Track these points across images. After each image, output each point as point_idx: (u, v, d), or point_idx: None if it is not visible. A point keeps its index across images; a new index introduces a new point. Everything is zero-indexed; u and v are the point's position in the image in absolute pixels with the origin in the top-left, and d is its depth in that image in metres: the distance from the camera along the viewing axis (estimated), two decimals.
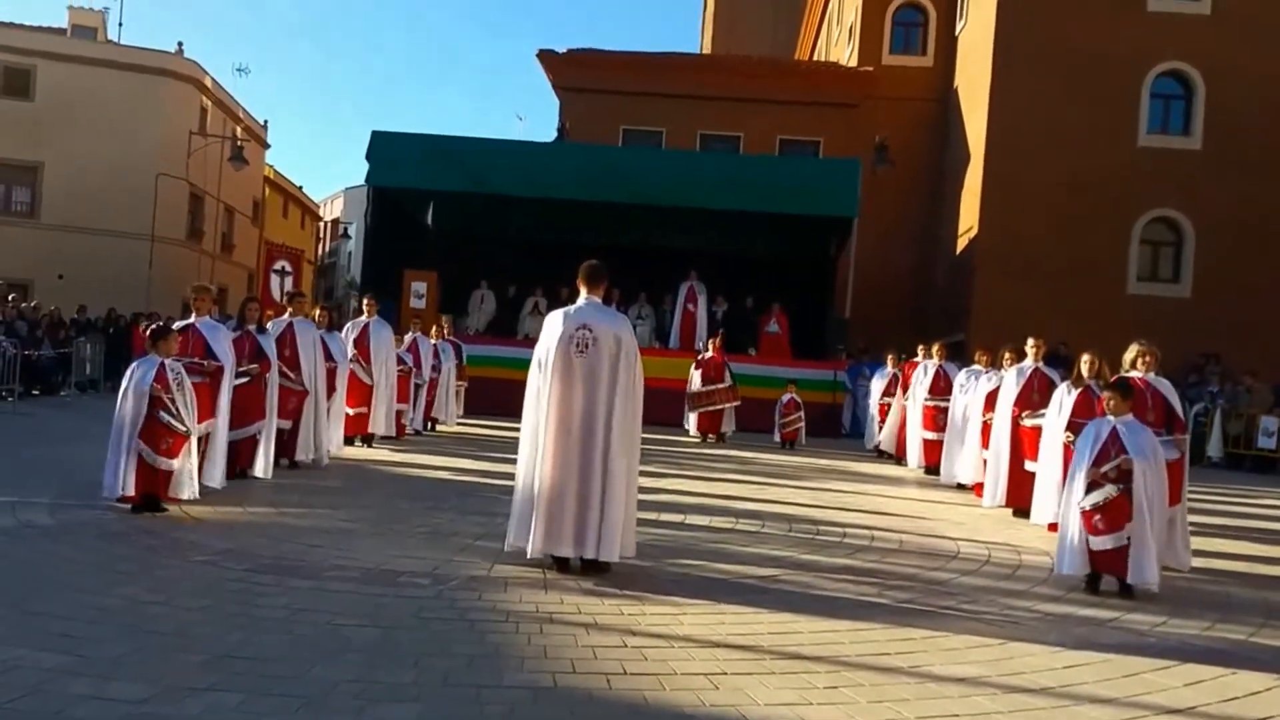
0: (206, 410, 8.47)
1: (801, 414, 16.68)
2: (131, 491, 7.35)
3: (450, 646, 4.61)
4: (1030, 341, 10.57)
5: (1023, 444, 10.12)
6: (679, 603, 5.67)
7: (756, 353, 20.18)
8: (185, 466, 7.67)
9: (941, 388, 13.48)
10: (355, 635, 4.69)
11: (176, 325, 8.81)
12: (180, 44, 38.55)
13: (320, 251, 63.40)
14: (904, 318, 25.48)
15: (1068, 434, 8.46)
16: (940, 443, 12.95)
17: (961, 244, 25.47)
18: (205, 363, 8.50)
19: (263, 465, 9.68)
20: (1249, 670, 4.90)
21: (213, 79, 39.16)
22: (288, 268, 20.36)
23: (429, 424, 15.76)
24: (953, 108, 27.12)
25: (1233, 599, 6.72)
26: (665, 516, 8.57)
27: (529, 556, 6.17)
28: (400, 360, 14.07)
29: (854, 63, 28.57)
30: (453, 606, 5.34)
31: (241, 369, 9.39)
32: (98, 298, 26.36)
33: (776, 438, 16.74)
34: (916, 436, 14.31)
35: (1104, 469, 6.62)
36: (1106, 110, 22.93)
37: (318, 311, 12.03)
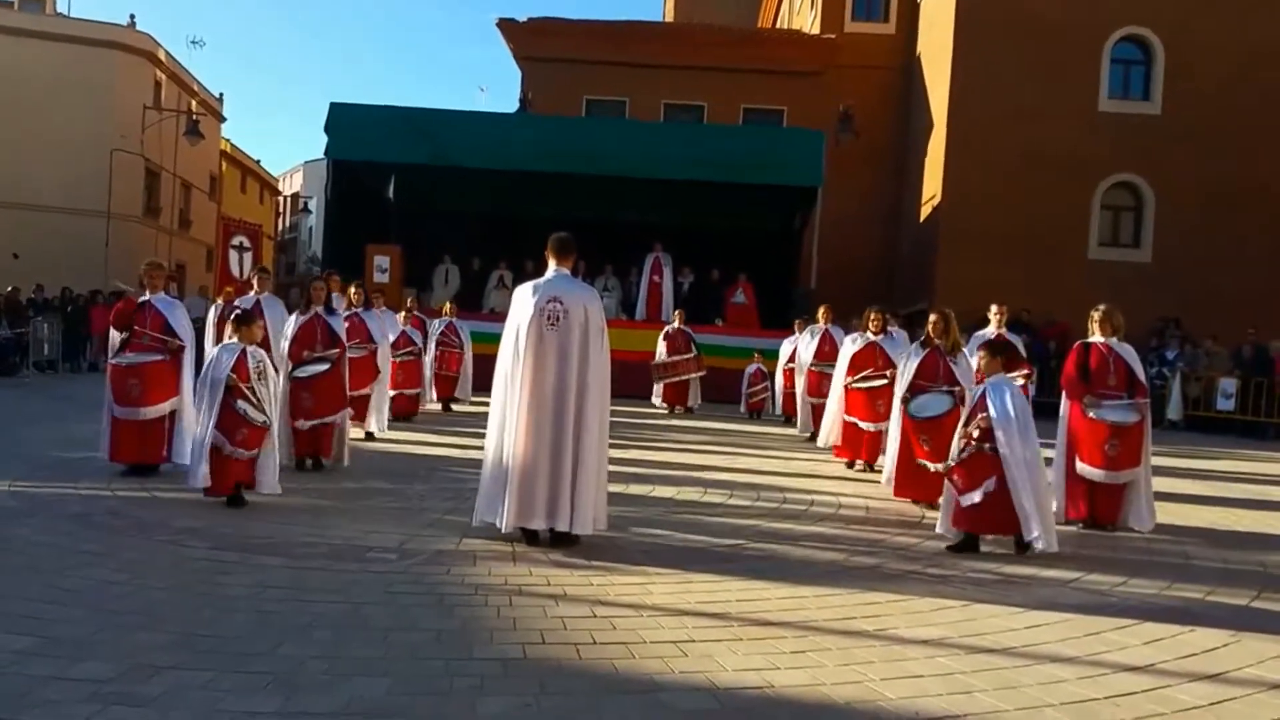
0: (171, 388, 8.42)
1: (768, 384, 16.73)
2: (209, 483, 7.04)
3: (419, 621, 4.61)
4: (993, 308, 10.60)
5: None
6: (647, 572, 5.70)
7: (723, 323, 20.20)
8: (267, 458, 7.34)
9: (827, 352, 12.93)
10: (323, 612, 4.68)
11: (139, 299, 8.67)
12: (132, 16, 37.99)
13: (280, 226, 62.76)
14: (869, 286, 25.54)
15: (906, 395, 8.35)
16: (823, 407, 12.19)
17: (925, 212, 25.58)
18: (167, 340, 8.43)
19: (340, 451, 9.38)
20: (1206, 628, 4.99)
21: (166, 52, 38.53)
22: (246, 243, 20.07)
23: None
24: (915, 75, 27.15)
25: (1191, 559, 6.84)
26: (633, 487, 8.59)
27: (503, 531, 6.15)
28: (410, 341, 13.95)
29: (816, 30, 28.48)
30: (421, 581, 5.33)
31: (318, 355, 9.16)
32: (53, 277, 25.99)
33: (743, 408, 16.80)
34: (804, 401, 13.72)
35: (969, 428, 6.70)
36: (1067, 76, 23.03)
37: (352, 289, 11.68)
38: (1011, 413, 6.52)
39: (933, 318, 8.65)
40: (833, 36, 27.55)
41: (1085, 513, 7.81)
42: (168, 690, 3.63)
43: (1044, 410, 13.40)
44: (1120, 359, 7.99)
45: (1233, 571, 6.44)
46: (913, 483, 8.39)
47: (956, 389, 8.11)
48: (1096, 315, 8.22)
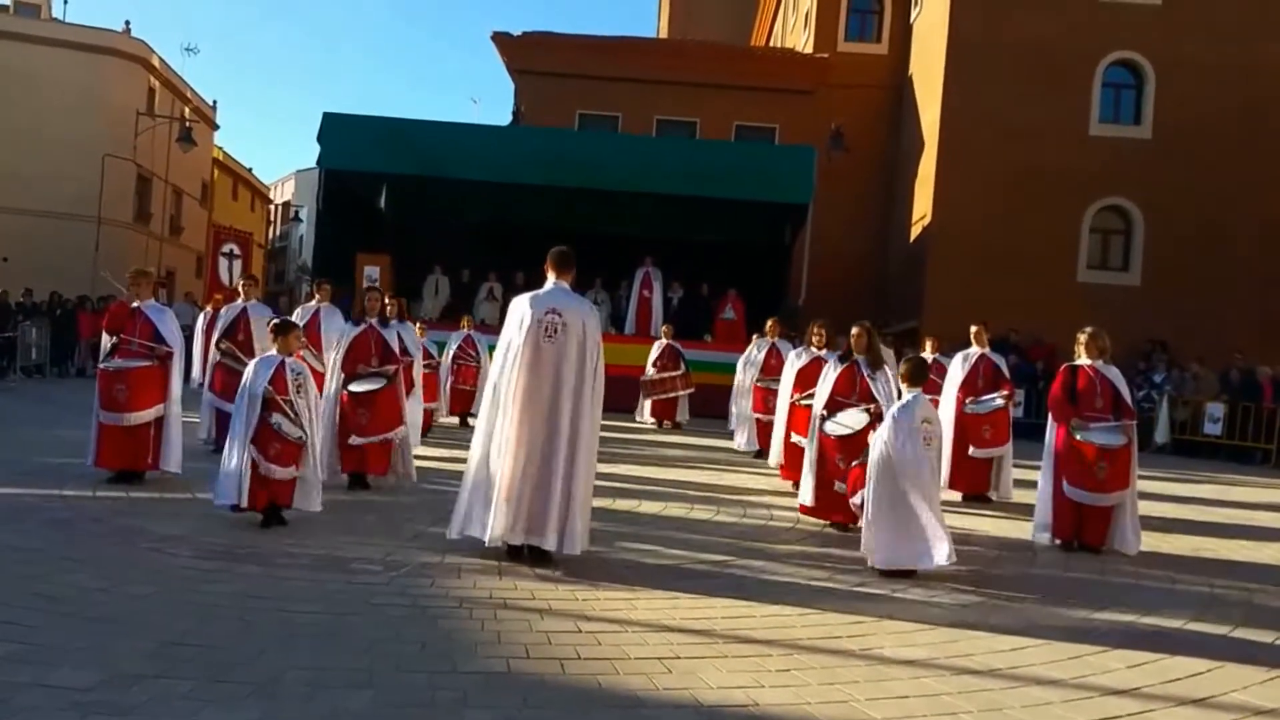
0: (158, 394, 8.38)
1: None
2: (246, 503, 6.63)
3: (403, 633, 4.59)
4: (973, 328, 10.65)
5: (966, 429, 10.21)
6: (633, 588, 5.68)
7: (712, 339, 20.22)
8: (307, 474, 6.94)
9: (773, 367, 12.38)
10: (306, 622, 4.66)
11: (134, 304, 8.63)
12: (127, 23, 38.01)
13: (271, 235, 62.67)
14: (859, 304, 25.54)
15: (823, 412, 8.11)
16: (772, 425, 11.65)
17: (915, 231, 25.65)
18: (155, 347, 8.40)
19: (408, 468, 9.15)
20: (1190, 653, 4.99)
21: (160, 58, 38.50)
22: (236, 250, 20.10)
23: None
24: (907, 95, 27.27)
25: (1176, 583, 6.84)
26: (619, 502, 8.58)
27: (486, 544, 6.06)
28: (428, 354, 13.59)
29: (810, 49, 28.60)
30: (405, 593, 5.32)
31: (374, 370, 8.87)
32: (43, 281, 25.80)
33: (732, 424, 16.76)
34: (750, 417, 13.28)
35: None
36: (1058, 99, 23.13)
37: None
38: (886, 433, 6.48)
39: (854, 331, 8.36)
40: (825, 56, 27.67)
41: (1071, 535, 7.81)
42: (148, 699, 3.60)
43: (1031, 432, 13.46)
44: (1107, 381, 8.01)
45: (1218, 596, 6.45)
46: (829, 503, 7.98)
47: (873, 406, 7.90)
48: (1083, 338, 8.23)
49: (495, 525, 5.99)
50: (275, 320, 7.41)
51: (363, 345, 9.05)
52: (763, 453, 12.78)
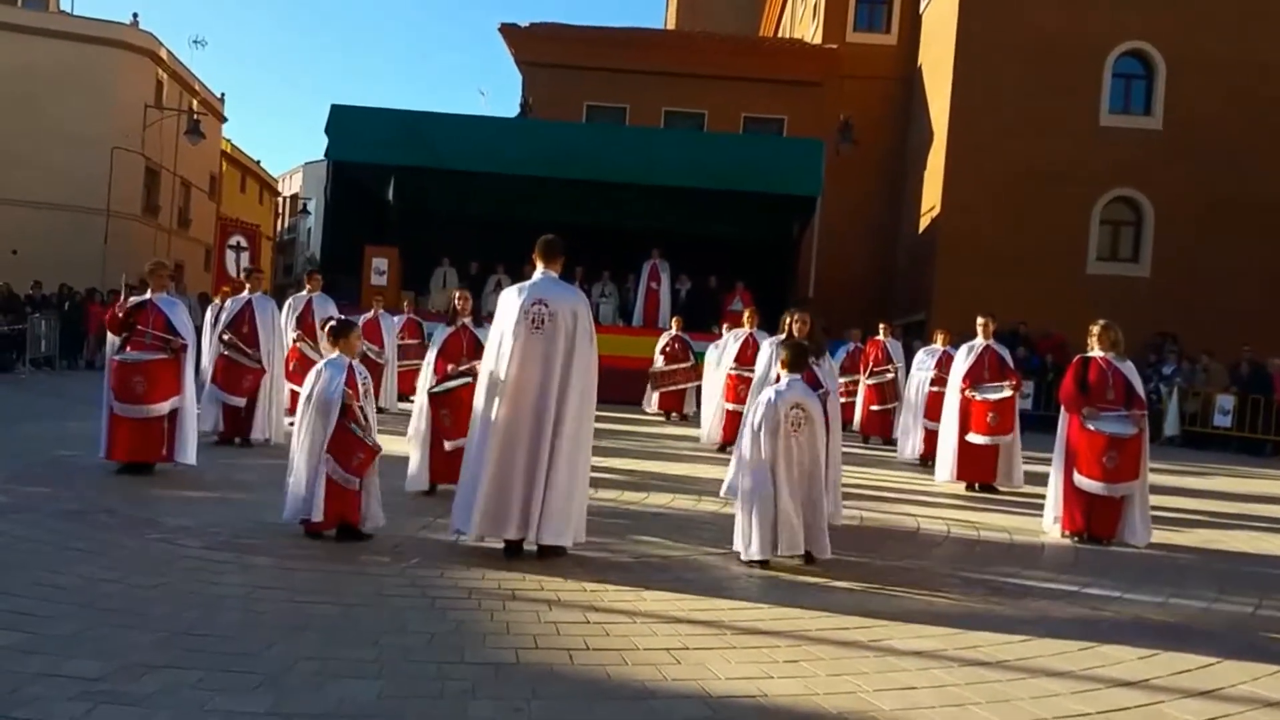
0: (172, 387, 8.39)
1: None
2: (321, 518, 6.13)
3: (411, 624, 4.59)
4: (979, 320, 10.63)
5: (970, 416, 10.19)
6: (641, 579, 5.68)
7: (720, 331, 20.18)
8: (373, 487, 6.40)
9: (749, 357, 12.03)
10: (315, 613, 4.66)
11: (133, 301, 8.63)
12: (135, 15, 37.91)
13: (279, 227, 62.78)
14: (867, 296, 25.60)
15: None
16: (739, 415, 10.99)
17: (924, 223, 25.58)
18: (169, 339, 8.41)
19: None
20: (1200, 644, 4.98)
21: (168, 51, 38.51)
22: (243, 243, 20.10)
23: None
24: (916, 86, 27.18)
25: (1186, 575, 6.83)
26: (627, 494, 8.58)
27: (470, 541, 5.95)
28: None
29: (818, 40, 28.51)
30: (414, 584, 5.32)
31: (461, 369, 8.44)
32: (52, 273, 25.91)
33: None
34: (718, 407, 12.88)
35: None
36: (1069, 89, 23.04)
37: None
38: (753, 416, 6.41)
39: (798, 316, 8.08)
40: (834, 46, 27.58)
41: (1082, 526, 7.80)
42: (157, 689, 3.61)
43: (1042, 423, 13.44)
44: (1119, 373, 7.99)
45: (1228, 588, 6.42)
46: None
47: (820, 390, 7.54)
48: (1095, 329, 8.21)
49: (476, 519, 5.85)
50: (334, 322, 6.86)
51: (455, 345, 8.81)
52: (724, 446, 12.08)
